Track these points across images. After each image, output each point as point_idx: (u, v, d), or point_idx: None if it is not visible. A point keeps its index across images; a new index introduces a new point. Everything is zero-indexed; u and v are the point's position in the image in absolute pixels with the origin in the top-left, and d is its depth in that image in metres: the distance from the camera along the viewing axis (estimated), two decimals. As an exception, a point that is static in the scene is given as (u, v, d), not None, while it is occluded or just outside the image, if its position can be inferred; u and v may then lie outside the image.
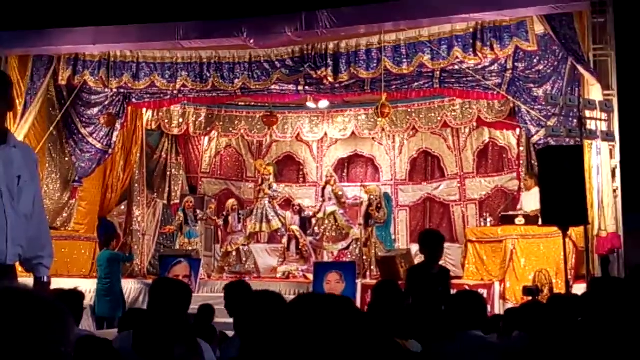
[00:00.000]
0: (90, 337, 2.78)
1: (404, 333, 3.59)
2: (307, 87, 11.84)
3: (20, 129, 11.55)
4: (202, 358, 3.35)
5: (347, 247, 12.45)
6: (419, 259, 11.90)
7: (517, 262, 9.62)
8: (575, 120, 8.43)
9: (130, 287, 10.44)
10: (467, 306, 3.65)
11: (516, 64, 10.26)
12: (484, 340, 3.43)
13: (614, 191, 8.95)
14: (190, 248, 12.39)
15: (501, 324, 5.26)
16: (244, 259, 12.48)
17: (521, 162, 12.22)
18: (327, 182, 12.96)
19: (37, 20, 12.52)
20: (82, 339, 2.14)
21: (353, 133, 14.11)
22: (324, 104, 13.12)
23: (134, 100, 12.56)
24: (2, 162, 3.13)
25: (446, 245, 7.49)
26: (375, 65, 10.62)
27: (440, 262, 6.12)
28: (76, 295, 4.23)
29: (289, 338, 1.49)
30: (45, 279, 3.38)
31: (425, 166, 14.21)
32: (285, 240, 12.74)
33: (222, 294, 9.63)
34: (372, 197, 12.28)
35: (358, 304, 9.06)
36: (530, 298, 7.38)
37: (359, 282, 10.30)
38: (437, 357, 3.14)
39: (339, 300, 1.59)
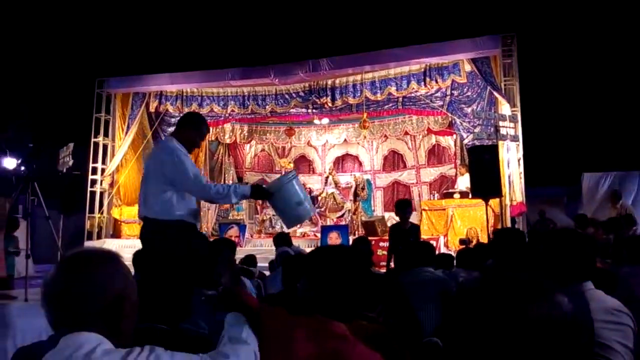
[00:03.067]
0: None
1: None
2: (314, 110, 11.82)
3: (126, 141, 11.60)
4: (244, 285, 3.39)
5: (342, 215, 12.45)
6: (391, 221, 12.02)
7: (455, 223, 9.62)
8: (492, 128, 8.39)
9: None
10: (422, 251, 3.66)
11: (452, 91, 10.22)
12: (433, 273, 3.44)
13: (519, 174, 8.94)
14: (239, 218, 12.42)
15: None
16: (274, 224, 12.50)
17: (457, 157, 12.21)
18: (329, 173, 12.97)
19: (134, 70, 12.56)
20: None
21: (345, 140, 14.09)
22: (325, 121, 13.10)
23: (199, 121, 12.56)
24: None
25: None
26: (359, 94, 10.58)
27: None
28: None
29: (316, 270, 1.51)
30: None
31: (393, 161, 14.16)
32: (301, 211, 12.77)
33: (262, 248, 9.72)
34: (358, 182, 12.30)
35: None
36: (463, 246, 7.39)
37: (350, 238, 10.31)
38: (402, 283, 3.14)
39: (344, 248, 1.64)
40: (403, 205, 6.12)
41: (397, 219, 6.34)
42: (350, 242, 9.82)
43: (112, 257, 1.27)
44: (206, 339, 1.68)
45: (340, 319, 1.43)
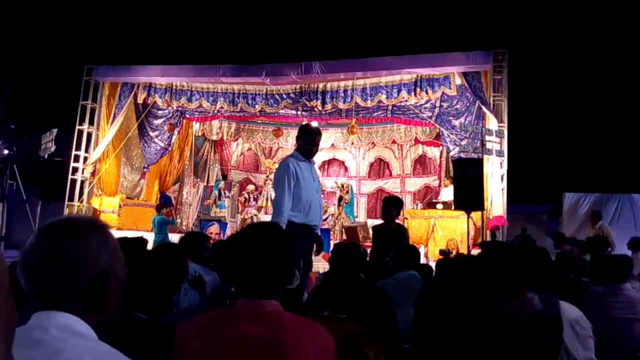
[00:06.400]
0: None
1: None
2: (303, 112, 11.79)
3: (111, 131, 11.46)
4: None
5: (325, 219, 12.44)
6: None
7: (437, 233, 9.69)
8: (478, 142, 8.50)
9: (175, 239, 10.06)
10: (409, 254, 3.65)
11: (442, 103, 10.29)
12: (416, 276, 3.44)
13: (502, 190, 9.04)
14: (220, 215, 12.35)
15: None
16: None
17: (442, 168, 12.30)
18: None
19: (124, 59, 12.45)
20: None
21: (332, 144, 14.09)
22: (314, 124, 13.04)
23: (187, 115, 12.47)
24: (313, 173, 4.32)
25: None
26: (349, 100, 10.61)
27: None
28: (142, 241, 4.19)
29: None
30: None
31: (379, 168, 14.23)
32: (284, 213, 12.71)
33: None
34: (342, 187, 12.33)
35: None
36: (443, 257, 7.44)
37: (332, 242, 10.30)
38: (384, 286, 3.14)
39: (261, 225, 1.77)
40: (388, 201, 5.26)
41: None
42: (332, 247, 9.85)
43: (99, 226, 1.14)
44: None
45: (266, 296, 1.51)
